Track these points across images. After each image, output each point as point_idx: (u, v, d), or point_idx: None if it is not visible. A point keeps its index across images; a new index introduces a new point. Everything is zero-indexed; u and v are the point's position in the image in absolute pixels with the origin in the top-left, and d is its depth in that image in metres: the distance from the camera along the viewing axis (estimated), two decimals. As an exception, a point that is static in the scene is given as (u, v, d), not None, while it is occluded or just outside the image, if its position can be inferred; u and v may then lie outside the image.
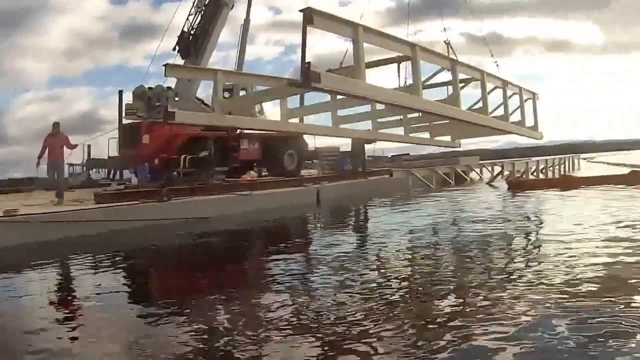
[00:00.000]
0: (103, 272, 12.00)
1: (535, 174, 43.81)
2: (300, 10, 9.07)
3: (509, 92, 17.32)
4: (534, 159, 51.40)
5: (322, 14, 9.50)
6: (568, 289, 7.51)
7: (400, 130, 18.05)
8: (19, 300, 9.61)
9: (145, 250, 15.42)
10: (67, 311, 8.54)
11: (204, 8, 32.81)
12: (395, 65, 15.04)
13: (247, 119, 17.25)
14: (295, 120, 15.94)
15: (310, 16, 9.02)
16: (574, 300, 6.96)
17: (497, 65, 18.80)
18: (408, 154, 53.97)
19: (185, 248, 15.39)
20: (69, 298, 9.74)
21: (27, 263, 13.27)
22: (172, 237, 17.11)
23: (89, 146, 31.99)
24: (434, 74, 14.75)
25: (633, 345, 5.34)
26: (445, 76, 14.89)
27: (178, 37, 32.30)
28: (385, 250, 12.68)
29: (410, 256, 11.92)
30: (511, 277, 8.88)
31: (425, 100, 13.28)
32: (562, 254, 10.22)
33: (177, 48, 32.18)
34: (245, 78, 20.22)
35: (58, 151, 19.86)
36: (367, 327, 6.42)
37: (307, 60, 9.41)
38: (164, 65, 12.86)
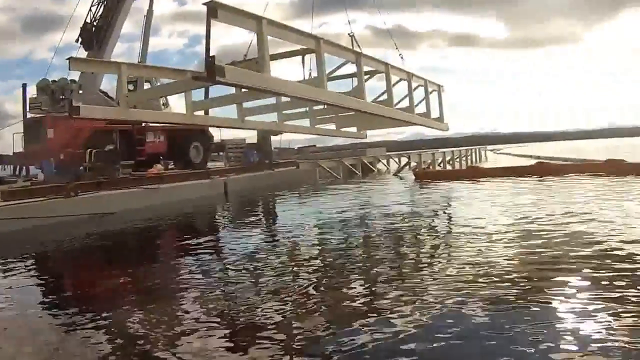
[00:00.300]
0: (9, 273, 11.66)
1: (442, 165, 44.33)
2: (204, 4, 9.00)
3: (414, 84, 17.46)
4: (440, 150, 52.09)
5: (226, 8, 9.45)
6: (477, 277, 7.73)
7: (306, 122, 18.16)
8: None
9: (53, 249, 15.13)
10: None
11: (107, -1, 32.46)
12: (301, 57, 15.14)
13: (153, 112, 17.19)
14: (201, 112, 15.90)
15: (214, 9, 8.98)
16: (484, 287, 7.17)
17: (402, 57, 19.05)
18: (314, 146, 54.28)
19: (92, 246, 15.13)
20: None
21: None
22: (80, 234, 16.74)
23: (-7, 142, 31.49)
24: (339, 67, 14.83)
25: (543, 329, 5.52)
26: (351, 68, 14.98)
27: (81, 28, 31.83)
28: (294, 243, 12.77)
29: (319, 249, 11.93)
30: (420, 267, 9.07)
31: (330, 93, 13.34)
32: (469, 242, 10.50)
33: (80, 40, 31.74)
34: (150, 71, 20.06)
35: None
36: (278, 322, 6.44)
37: (211, 54, 9.37)
38: (68, 59, 12.72)
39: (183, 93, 14.62)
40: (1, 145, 31.89)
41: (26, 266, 12.34)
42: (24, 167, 29.89)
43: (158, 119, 19.17)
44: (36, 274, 11.77)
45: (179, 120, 18.58)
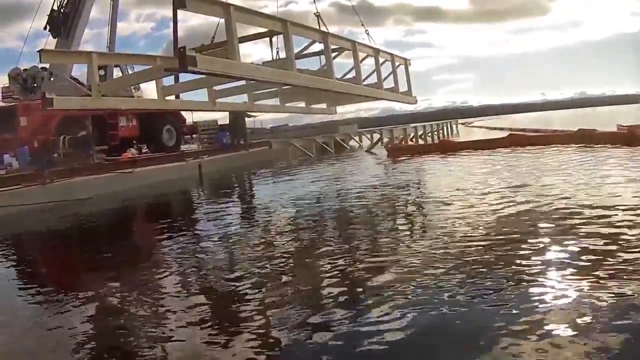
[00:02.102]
0: None
1: (414, 140, 44.45)
2: None
3: (381, 60, 17.68)
4: (412, 125, 52.14)
5: None
6: (451, 249, 7.85)
7: (276, 101, 18.37)
8: None
9: (27, 236, 15.32)
10: None
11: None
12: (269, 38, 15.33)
13: (125, 99, 17.35)
14: (172, 97, 16.03)
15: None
16: (464, 258, 7.23)
17: (368, 33, 19.26)
18: (287, 125, 54.34)
19: (67, 231, 15.18)
20: None
21: None
22: (55, 220, 16.90)
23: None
24: (307, 46, 15.07)
25: (523, 291, 5.75)
26: (319, 46, 15.19)
27: (48, 16, 31.74)
28: (268, 222, 12.99)
29: (295, 227, 11.98)
30: (398, 240, 9.19)
31: (300, 76, 13.68)
32: (446, 215, 10.58)
33: (48, 27, 31.70)
34: (121, 58, 20.21)
35: None
36: (258, 300, 6.51)
37: (182, 45, 9.53)
38: (39, 51, 12.80)
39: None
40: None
41: (1, 253, 12.52)
42: (-2, 156, 29.92)
43: (131, 106, 19.36)
44: (11, 260, 11.92)
45: (151, 106, 18.75)
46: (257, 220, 13.69)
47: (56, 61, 21.87)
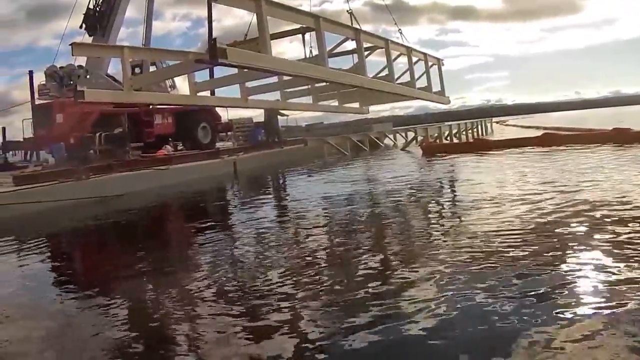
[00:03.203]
0: (26, 255, 11.76)
1: (449, 138, 44.23)
2: None
3: (414, 59, 17.60)
4: (447, 123, 51.81)
5: None
6: (488, 250, 7.73)
7: (309, 100, 18.35)
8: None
9: (64, 232, 15.40)
10: None
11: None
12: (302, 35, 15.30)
13: (156, 94, 17.37)
14: (205, 93, 16.06)
15: None
16: (495, 261, 7.12)
17: (401, 32, 19.19)
18: (322, 123, 54.33)
19: (103, 227, 15.31)
20: None
21: None
22: (90, 216, 16.96)
23: (3, 129, 31.78)
24: (339, 44, 15.00)
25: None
26: (352, 45, 15.14)
27: (84, 14, 32.05)
28: (303, 220, 12.89)
29: (328, 225, 12.01)
30: (434, 241, 9.04)
31: (331, 71, 13.53)
32: (480, 215, 10.50)
33: (84, 26, 31.99)
34: (153, 53, 20.24)
35: None
36: (294, 302, 6.43)
37: (213, 37, 9.50)
38: (71, 44, 12.78)
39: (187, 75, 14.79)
40: (11, 131, 32.21)
41: (38, 248, 12.56)
42: (34, 152, 30.22)
43: (161, 100, 19.39)
44: (48, 256, 11.95)
45: (182, 101, 18.79)
46: (291, 218, 13.62)
47: (88, 55, 22.00)
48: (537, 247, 7.56)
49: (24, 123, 30.46)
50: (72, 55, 13.14)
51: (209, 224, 13.41)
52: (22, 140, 30.65)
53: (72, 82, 29.01)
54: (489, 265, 6.92)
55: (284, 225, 12.42)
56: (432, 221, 11.35)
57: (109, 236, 14.16)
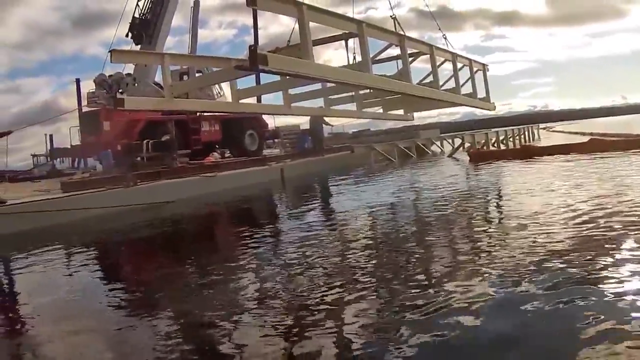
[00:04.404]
0: (76, 262, 11.91)
1: (495, 145, 43.88)
2: None
3: (459, 65, 17.46)
4: (493, 130, 51.44)
5: None
6: (537, 263, 7.44)
7: (353, 106, 18.24)
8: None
9: (113, 238, 15.51)
10: (40, 306, 8.33)
11: (153, -7, 33.07)
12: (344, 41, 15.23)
13: (197, 101, 17.33)
14: (251, 100, 16.05)
15: None
16: (543, 272, 6.93)
17: (445, 38, 19.03)
18: (369, 130, 54.23)
19: (152, 234, 15.43)
20: (42, 291, 9.46)
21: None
22: (139, 223, 17.12)
23: (50, 136, 32.30)
24: (383, 50, 14.92)
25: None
26: (396, 51, 15.07)
27: (130, 23, 32.50)
28: (350, 228, 12.78)
29: (375, 233, 11.93)
30: (481, 249, 8.91)
31: (375, 77, 13.31)
32: (528, 226, 10.14)
33: (130, 35, 32.41)
34: (193, 60, 20.39)
35: None
36: (341, 308, 6.46)
37: (253, 43, 9.39)
38: (110, 51, 12.85)
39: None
40: (58, 138, 32.69)
41: (87, 254, 12.74)
42: (82, 159, 30.62)
43: (202, 108, 19.45)
44: (97, 262, 12.12)
45: (223, 109, 18.88)
46: (339, 225, 13.50)
47: (127, 61, 22.20)
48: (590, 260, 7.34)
49: (71, 130, 30.97)
50: (111, 62, 13.18)
51: (257, 231, 13.36)
52: (69, 147, 31.10)
53: (120, 90, 29.37)
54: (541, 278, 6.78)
55: (331, 234, 12.23)
56: (484, 233, 10.84)
57: (158, 243, 14.24)
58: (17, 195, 19.46)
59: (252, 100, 16.28)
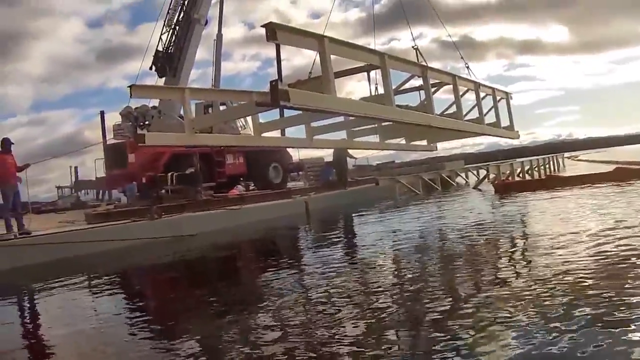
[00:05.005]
0: (101, 293, 12.06)
1: (521, 175, 43.72)
2: (263, 26, 8.96)
3: (482, 94, 17.40)
4: (518, 160, 51.37)
5: (285, 28, 9.43)
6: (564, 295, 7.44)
7: (375, 138, 18.18)
8: (18, 326, 9.90)
9: (140, 270, 15.76)
10: (65, 336, 8.49)
11: (175, 26, 33.36)
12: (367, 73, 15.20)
13: (218, 136, 17.26)
14: (275, 133, 16.03)
15: (272, 31, 8.94)
16: (568, 308, 6.80)
17: (468, 67, 18.93)
18: (393, 162, 54.17)
19: (175, 266, 15.63)
20: (67, 322, 9.56)
21: (24, 286, 13.72)
22: (163, 255, 17.33)
23: (75, 168, 32.59)
24: (406, 81, 14.88)
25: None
26: (419, 81, 15.05)
27: (154, 56, 32.79)
28: (374, 262, 12.72)
29: (399, 266, 11.97)
30: (504, 282, 8.86)
31: (397, 110, 13.20)
32: (554, 259, 10.00)
33: (154, 68, 32.69)
34: (214, 93, 20.46)
35: (10, 172, 18.44)
36: (365, 345, 6.39)
37: (275, 78, 9.21)
38: (129, 86, 12.84)
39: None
40: (83, 170, 32.97)
41: (110, 285, 12.81)
42: (107, 191, 30.82)
43: (224, 142, 19.36)
44: (121, 293, 12.23)
45: (245, 143, 18.90)
46: (363, 259, 13.47)
47: (147, 96, 22.30)
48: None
49: (96, 163, 31.18)
50: (131, 97, 13.18)
51: (280, 265, 13.35)
52: (94, 179, 31.31)
53: (147, 122, 29.71)
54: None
55: (354, 270, 12.16)
56: (501, 265, 10.94)
57: (180, 275, 14.33)
58: (42, 226, 19.60)
59: (275, 133, 16.23)
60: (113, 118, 31.91)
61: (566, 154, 78.06)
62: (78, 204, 29.54)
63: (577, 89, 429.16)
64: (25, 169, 18.87)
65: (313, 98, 10.37)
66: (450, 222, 18.94)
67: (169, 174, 27.13)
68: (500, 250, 12.64)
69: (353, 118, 15.58)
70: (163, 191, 26.48)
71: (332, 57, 10.71)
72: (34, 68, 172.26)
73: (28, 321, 10.51)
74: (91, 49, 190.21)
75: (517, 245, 13.47)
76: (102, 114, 31.44)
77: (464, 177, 44.69)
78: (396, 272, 11.23)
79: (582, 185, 25.87)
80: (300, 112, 13.42)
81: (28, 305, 12.27)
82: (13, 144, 18.81)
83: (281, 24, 9.37)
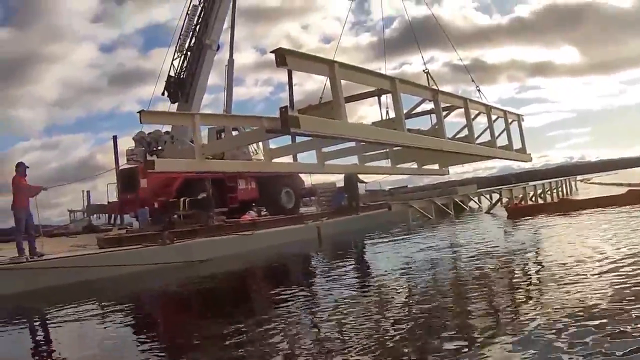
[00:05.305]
0: (110, 319, 12.00)
1: (533, 199, 43.56)
2: (272, 52, 8.93)
3: (493, 117, 17.34)
4: (531, 183, 51.29)
5: (294, 54, 9.40)
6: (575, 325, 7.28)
7: (387, 162, 18.14)
8: (27, 350, 9.89)
9: (150, 295, 15.75)
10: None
11: (187, 52, 33.59)
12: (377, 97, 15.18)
13: (228, 162, 17.26)
14: (284, 159, 16.01)
15: (282, 57, 8.92)
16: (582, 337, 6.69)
17: (479, 90, 18.95)
18: (406, 186, 54.09)
19: (186, 292, 15.64)
20: (76, 346, 9.66)
21: (35, 310, 13.80)
22: (174, 281, 17.30)
23: (87, 192, 32.65)
24: (417, 105, 14.86)
25: None
26: (430, 104, 15.02)
27: (165, 82, 32.98)
28: (387, 289, 12.64)
29: (411, 294, 11.89)
30: (517, 312, 8.77)
31: (409, 135, 13.17)
32: (566, 287, 9.89)
33: (166, 93, 32.89)
34: (224, 119, 20.49)
35: (24, 195, 18.54)
36: None
37: (285, 105, 9.19)
38: (139, 112, 12.81)
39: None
40: (96, 194, 33.06)
41: (121, 310, 12.78)
42: (119, 216, 30.85)
43: (234, 168, 19.36)
44: (132, 319, 12.18)
45: (255, 169, 18.92)
46: (375, 287, 13.39)
47: (156, 122, 22.31)
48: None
49: (108, 187, 31.26)
50: (140, 123, 13.16)
51: (291, 292, 13.24)
52: (106, 204, 31.38)
53: (159, 148, 29.88)
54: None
55: (367, 295, 12.16)
56: (515, 292, 10.92)
57: (191, 301, 14.35)
58: (54, 249, 19.63)
59: (286, 158, 16.20)
60: (126, 142, 32.03)
61: (578, 177, 78.02)
62: (90, 228, 29.57)
63: (588, 110, 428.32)
64: (38, 193, 18.93)
65: (323, 124, 10.37)
66: (461, 249, 18.82)
67: (181, 199, 27.18)
68: (512, 281, 12.34)
69: (364, 143, 15.54)
70: (175, 216, 26.44)
71: (343, 82, 10.71)
72: (46, 92, 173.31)
73: (37, 345, 10.50)
74: (104, 73, 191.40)
75: (526, 269, 13.48)
76: (114, 138, 31.32)
77: (477, 201, 44.72)
78: (407, 301, 11.16)
79: (595, 209, 25.80)
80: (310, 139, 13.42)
81: (38, 328, 12.29)
82: (28, 167, 18.92)
83: (291, 49, 9.35)
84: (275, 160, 15.45)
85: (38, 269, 16.94)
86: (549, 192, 46.98)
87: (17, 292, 15.73)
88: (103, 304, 13.95)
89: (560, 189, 50.58)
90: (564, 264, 12.52)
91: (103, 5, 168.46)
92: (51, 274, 16.67)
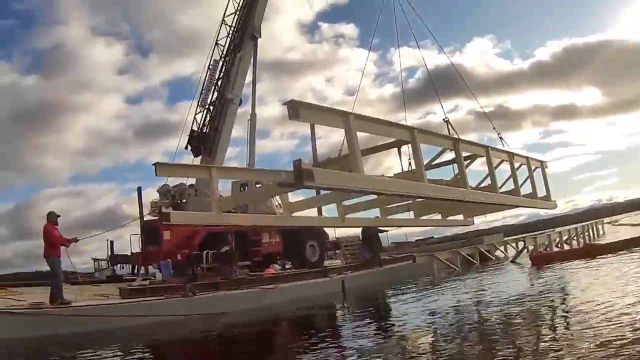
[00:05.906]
0: None
1: (559, 245, 43.21)
2: (284, 104, 8.84)
3: (516, 164, 17.25)
4: (556, 230, 51.11)
5: (307, 106, 9.33)
6: None
7: (410, 214, 17.98)
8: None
9: (171, 346, 15.85)
10: None
11: (210, 106, 34.13)
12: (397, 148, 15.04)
13: (246, 216, 17.35)
14: (306, 212, 15.86)
15: (295, 109, 8.81)
16: None
17: (501, 137, 18.94)
18: (432, 237, 53.96)
19: (207, 344, 15.69)
20: None
21: (54, 353, 14.06)
22: (195, 333, 17.31)
23: (111, 242, 32.85)
24: (438, 155, 14.77)
25: None
26: (451, 154, 14.90)
27: (189, 136, 33.28)
28: (412, 340, 12.68)
29: (435, 347, 11.70)
30: None
31: (430, 186, 13.01)
32: (590, 335, 9.85)
33: (189, 147, 33.12)
34: (242, 172, 20.54)
35: (56, 244, 18.74)
36: None
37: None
38: (154, 164, 12.80)
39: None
40: (120, 243, 33.31)
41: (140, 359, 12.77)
42: (142, 267, 30.91)
43: (252, 222, 19.19)
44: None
45: (275, 222, 18.77)
46: (400, 341, 13.15)
47: (172, 175, 22.33)
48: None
49: (132, 238, 31.39)
50: (156, 175, 13.12)
51: (313, 347, 13.00)
52: (129, 254, 31.49)
53: (184, 200, 30.07)
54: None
55: (393, 352, 11.77)
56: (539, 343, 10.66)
57: (211, 350, 14.67)
58: (77, 297, 19.69)
59: (310, 211, 16.05)
60: (151, 193, 32.33)
61: (606, 219, 77.50)
62: (113, 278, 29.88)
63: (613, 151, 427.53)
64: (70, 244, 19.06)
65: (339, 177, 10.17)
66: (483, 300, 18.65)
67: (204, 252, 27.18)
68: (537, 338, 11.68)
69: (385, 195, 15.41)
70: (198, 269, 26.42)
71: (365, 134, 10.60)
72: (73, 141, 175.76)
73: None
74: (129, 124, 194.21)
75: (546, 321, 13.29)
76: (139, 190, 31.46)
77: (503, 250, 44.31)
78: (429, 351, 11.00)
79: (621, 252, 25.57)
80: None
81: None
82: (59, 216, 19.25)
83: (304, 101, 9.29)
84: (297, 213, 15.32)
85: (60, 316, 17.10)
86: (574, 238, 46.62)
87: (37, 337, 15.91)
88: (124, 351, 14.03)
89: (586, 234, 50.23)
90: (583, 314, 12.43)
91: (128, 57, 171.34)
92: (72, 321, 16.90)
